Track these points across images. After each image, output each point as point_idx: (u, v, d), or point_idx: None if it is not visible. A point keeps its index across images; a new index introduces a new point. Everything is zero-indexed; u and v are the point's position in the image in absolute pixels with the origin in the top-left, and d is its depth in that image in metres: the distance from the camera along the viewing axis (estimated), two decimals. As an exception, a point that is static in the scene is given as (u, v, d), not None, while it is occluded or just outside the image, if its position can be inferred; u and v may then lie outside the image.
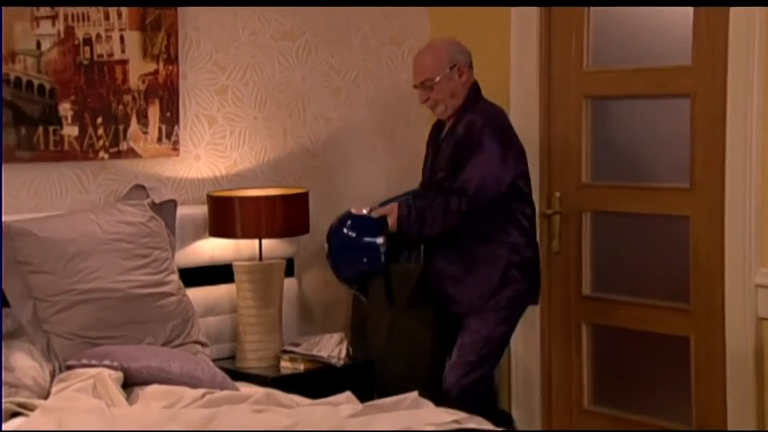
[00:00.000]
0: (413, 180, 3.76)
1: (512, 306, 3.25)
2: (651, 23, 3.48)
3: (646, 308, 3.51)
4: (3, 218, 2.98)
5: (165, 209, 3.30)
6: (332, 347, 3.44)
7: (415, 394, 2.71)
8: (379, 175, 4.03)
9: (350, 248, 3.28)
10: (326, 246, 3.34)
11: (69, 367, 2.84)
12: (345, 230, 3.29)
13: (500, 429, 2.56)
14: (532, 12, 3.70)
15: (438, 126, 3.44)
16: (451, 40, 3.37)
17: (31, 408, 2.53)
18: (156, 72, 3.39)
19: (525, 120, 3.74)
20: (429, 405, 2.69)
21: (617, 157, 3.65)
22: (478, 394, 3.21)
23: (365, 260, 3.25)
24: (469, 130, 3.19)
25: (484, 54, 3.64)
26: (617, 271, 3.66)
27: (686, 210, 3.38)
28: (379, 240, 3.22)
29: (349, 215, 3.31)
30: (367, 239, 3.24)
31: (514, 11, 3.75)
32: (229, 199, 3.43)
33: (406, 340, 3.62)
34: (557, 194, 3.72)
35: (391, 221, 3.22)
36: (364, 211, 3.28)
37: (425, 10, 4.06)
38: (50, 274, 2.94)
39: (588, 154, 3.67)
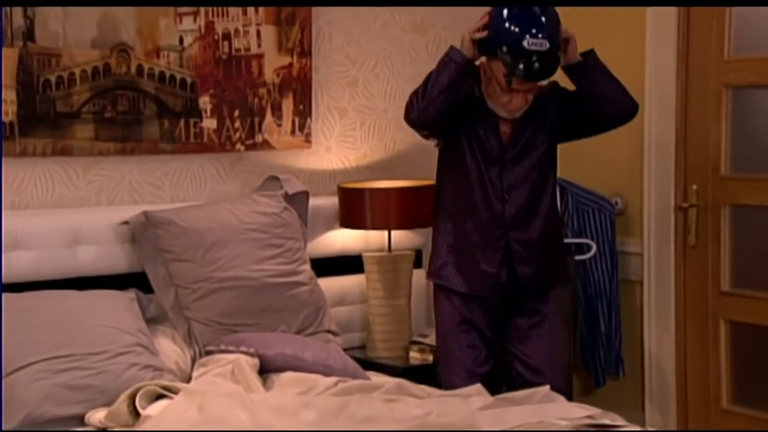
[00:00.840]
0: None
1: None
2: (798, 8, 3.32)
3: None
4: (146, 207, 3.11)
5: (297, 200, 3.37)
6: (461, 339, 3.43)
7: (546, 387, 2.68)
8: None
9: None
10: None
11: (208, 353, 2.94)
12: None
13: (634, 426, 2.51)
14: (670, -2, 3.59)
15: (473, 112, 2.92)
16: None
17: (174, 391, 2.63)
18: (290, 65, 3.46)
19: (661, 109, 3.63)
20: (561, 399, 2.66)
21: (758, 148, 3.49)
22: None
23: None
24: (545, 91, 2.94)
25: (619, 41, 3.56)
26: (758, 267, 3.51)
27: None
28: None
29: None
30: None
31: (651, -2, 3.65)
32: (360, 191, 3.47)
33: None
34: (694, 187, 3.60)
35: None
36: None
37: (557, -1, 3.99)
38: (190, 262, 3.04)
39: (727, 146, 3.54)
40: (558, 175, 3.95)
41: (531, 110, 2.93)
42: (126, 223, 3.06)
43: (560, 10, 2.85)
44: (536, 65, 2.71)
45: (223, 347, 2.90)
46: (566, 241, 3.81)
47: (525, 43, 2.70)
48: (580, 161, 3.88)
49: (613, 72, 3.29)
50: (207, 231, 3.07)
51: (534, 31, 2.70)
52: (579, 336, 3.74)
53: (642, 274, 3.75)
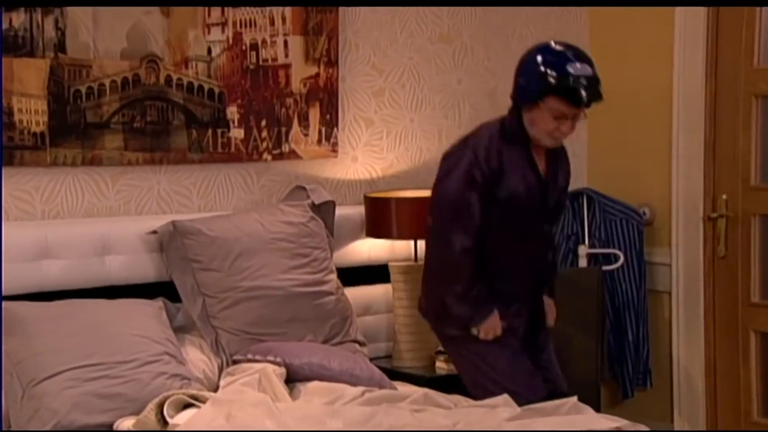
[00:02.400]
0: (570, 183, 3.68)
1: None
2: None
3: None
4: (174, 217, 3.13)
5: (324, 210, 3.37)
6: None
7: (574, 399, 2.66)
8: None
9: None
10: None
11: (235, 362, 2.95)
12: None
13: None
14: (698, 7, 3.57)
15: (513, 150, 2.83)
16: None
17: (202, 400, 2.64)
18: (317, 75, 3.47)
19: (689, 119, 3.60)
20: (589, 410, 2.64)
21: (789, 158, 3.47)
22: None
23: None
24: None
25: (646, 51, 3.54)
26: (788, 278, 3.48)
27: None
28: None
29: None
30: None
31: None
32: (386, 200, 3.47)
33: (563, 344, 3.56)
34: (723, 197, 3.57)
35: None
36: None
37: (585, 9, 3.98)
38: (217, 272, 3.05)
39: (757, 155, 3.51)
40: (585, 185, 3.96)
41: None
42: (154, 232, 3.08)
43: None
44: (590, 88, 2.71)
45: (250, 356, 2.91)
46: (593, 251, 3.80)
47: (572, 71, 2.70)
48: (607, 171, 3.87)
49: (641, 82, 3.28)
50: (234, 240, 3.08)
51: (572, 59, 2.72)
52: (606, 347, 3.71)
53: (670, 285, 3.72)
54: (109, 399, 2.65)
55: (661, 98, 3.34)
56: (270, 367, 2.81)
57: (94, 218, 3.11)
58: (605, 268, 3.68)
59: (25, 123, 2.93)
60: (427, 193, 3.59)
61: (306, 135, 3.48)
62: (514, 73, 2.82)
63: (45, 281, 2.92)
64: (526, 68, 2.78)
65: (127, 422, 2.60)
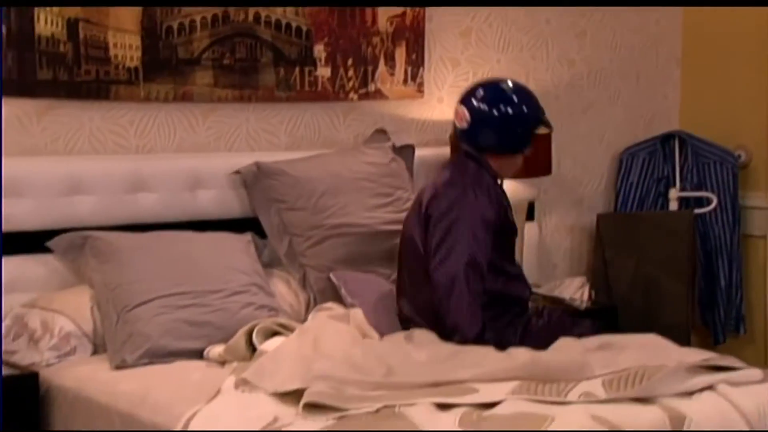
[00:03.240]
0: (660, 125, 3.61)
1: None
2: None
3: None
4: (262, 155, 3.17)
5: (404, 153, 3.36)
6: (574, 290, 3.40)
7: (654, 335, 2.62)
8: (624, 120, 3.90)
9: None
10: None
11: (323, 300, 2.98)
12: None
13: (754, 368, 2.40)
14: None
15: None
16: None
17: (290, 329, 2.68)
18: (403, 14, 3.45)
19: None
20: (674, 345, 2.59)
21: None
22: None
23: None
24: None
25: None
26: None
27: None
28: None
29: None
30: None
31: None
32: (472, 140, 3.44)
33: (651, 289, 3.50)
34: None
35: None
36: None
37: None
38: (303, 211, 3.08)
39: None
40: (677, 127, 3.87)
41: None
42: (238, 173, 3.13)
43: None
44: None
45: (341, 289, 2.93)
46: (685, 194, 3.71)
47: (531, 99, 2.77)
48: (701, 113, 3.77)
49: (738, 21, 3.15)
50: (318, 180, 3.11)
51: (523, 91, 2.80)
52: (697, 292, 3.63)
53: (766, 229, 3.61)
54: (199, 326, 2.71)
55: (759, 37, 3.22)
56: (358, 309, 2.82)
57: (185, 153, 3.17)
58: (697, 211, 3.59)
59: (119, 58, 3.00)
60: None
61: (392, 75, 3.47)
62: (491, 123, 2.72)
63: (138, 214, 2.99)
64: (515, 115, 2.72)
65: (217, 348, 2.66)
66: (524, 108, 2.73)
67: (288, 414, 2.14)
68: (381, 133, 3.41)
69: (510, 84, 2.80)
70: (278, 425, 2.10)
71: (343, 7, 3.35)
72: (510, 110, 2.72)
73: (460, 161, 2.78)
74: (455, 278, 2.60)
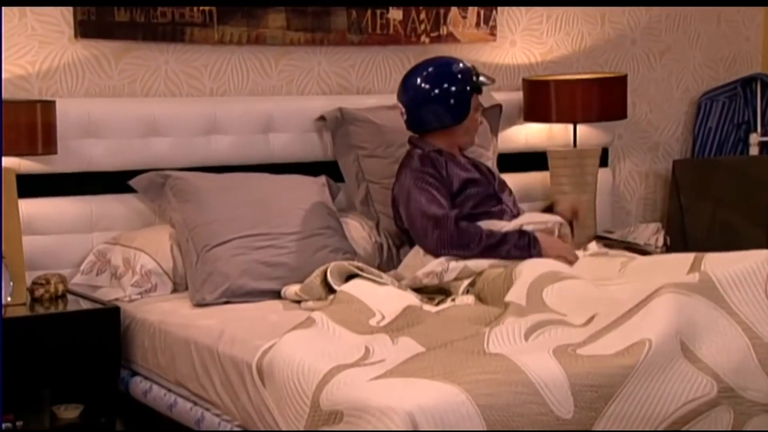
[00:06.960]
0: (741, 68, 3.50)
1: None
2: None
3: None
4: (334, 98, 3.16)
5: (491, 113, 3.26)
6: (648, 236, 3.34)
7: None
8: (704, 63, 3.80)
9: None
10: None
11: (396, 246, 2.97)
12: None
13: None
14: None
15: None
16: None
17: (366, 271, 2.67)
18: (477, -45, 3.39)
19: None
20: None
21: None
22: None
23: None
24: None
25: None
26: None
27: None
28: None
29: None
30: None
31: None
32: (545, 83, 3.39)
33: (729, 235, 3.42)
34: None
35: None
36: None
37: None
38: (382, 158, 3.07)
39: None
40: (759, 70, 3.75)
41: None
42: (322, 118, 3.12)
43: None
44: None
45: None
46: (766, 139, 3.60)
47: (465, 65, 2.85)
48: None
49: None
50: (398, 131, 3.07)
51: (453, 63, 2.88)
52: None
53: None
54: (275, 267, 2.73)
55: None
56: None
57: (258, 96, 3.17)
58: (777, 156, 3.49)
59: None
60: (587, 75, 3.49)
61: (464, 18, 3.42)
62: (421, 107, 2.80)
63: (213, 155, 3.02)
64: (439, 93, 2.80)
65: (293, 288, 2.68)
66: (444, 83, 2.80)
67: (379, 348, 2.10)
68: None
69: (429, 65, 2.85)
70: (372, 359, 2.05)
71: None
72: (434, 89, 2.80)
73: (406, 154, 2.87)
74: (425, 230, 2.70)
